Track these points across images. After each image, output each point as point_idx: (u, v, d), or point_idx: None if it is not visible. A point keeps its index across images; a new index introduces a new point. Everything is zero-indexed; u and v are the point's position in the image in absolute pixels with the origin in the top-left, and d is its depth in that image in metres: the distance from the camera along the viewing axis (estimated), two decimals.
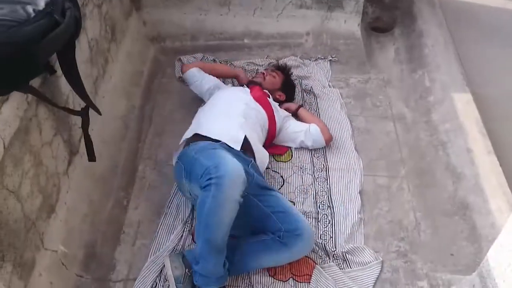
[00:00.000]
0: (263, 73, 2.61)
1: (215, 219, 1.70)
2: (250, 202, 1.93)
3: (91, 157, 1.87)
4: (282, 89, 2.63)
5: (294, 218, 1.92)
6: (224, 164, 1.74)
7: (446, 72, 2.72)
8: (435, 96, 2.65)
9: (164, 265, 1.90)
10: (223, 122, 2.18)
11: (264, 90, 2.51)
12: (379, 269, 1.98)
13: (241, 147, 2.09)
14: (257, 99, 2.38)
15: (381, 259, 2.01)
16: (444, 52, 2.84)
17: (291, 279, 1.94)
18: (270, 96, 2.53)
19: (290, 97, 2.70)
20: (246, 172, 1.84)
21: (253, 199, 1.94)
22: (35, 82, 1.57)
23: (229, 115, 2.22)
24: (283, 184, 2.31)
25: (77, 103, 1.92)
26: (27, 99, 1.54)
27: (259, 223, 1.96)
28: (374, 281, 1.95)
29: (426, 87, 2.73)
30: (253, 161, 2.13)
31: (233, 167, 1.74)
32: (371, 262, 2.00)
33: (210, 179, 1.69)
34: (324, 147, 2.47)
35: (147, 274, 1.92)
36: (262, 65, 3.02)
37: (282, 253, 1.88)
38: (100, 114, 1.84)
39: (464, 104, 2.50)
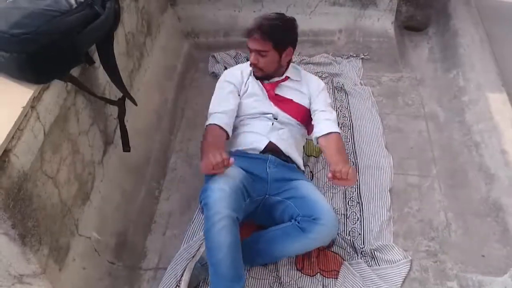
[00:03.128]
0: (253, 63, 2.08)
1: (211, 242, 1.71)
2: (270, 201, 1.94)
3: (126, 147, 1.91)
4: (281, 51, 2.04)
5: (312, 203, 1.87)
6: (211, 189, 1.74)
7: (481, 71, 2.68)
8: (469, 96, 2.61)
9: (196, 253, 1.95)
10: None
11: (274, 82, 2.15)
12: (408, 268, 1.97)
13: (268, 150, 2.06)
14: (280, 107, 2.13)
15: (410, 258, 2.00)
16: (479, 52, 2.80)
17: (318, 274, 1.94)
18: (284, 78, 2.16)
19: (293, 43, 2.11)
20: (257, 177, 1.93)
21: (273, 198, 1.95)
22: (75, 72, 1.61)
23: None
24: (312, 178, 2.31)
25: (113, 94, 1.96)
26: (67, 88, 1.58)
27: (283, 217, 1.93)
28: (402, 280, 1.93)
29: (460, 86, 2.69)
30: (270, 156, 2.01)
31: (216, 196, 1.72)
32: (400, 260, 1.98)
33: (200, 202, 1.81)
34: (354, 144, 2.46)
35: (179, 261, 1.94)
36: (294, 61, 3.01)
37: (300, 239, 1.82)
38: (136, 104, 1.88)
39: (499, 105, 2.46)
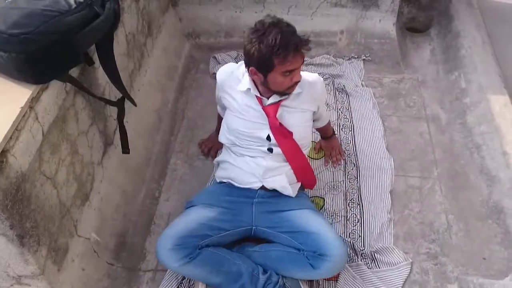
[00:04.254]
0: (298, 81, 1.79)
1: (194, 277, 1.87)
2: (261, 232, 1.90)
3: (125, 149, 1.91)
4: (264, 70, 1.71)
5: (314, 236, 1.77)
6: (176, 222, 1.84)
7: (483, 73, 2.67)
8: (471, 98, 2.60)
9: None
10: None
11: (276, 103, 1.85)
12: (408, 270, 1.96)
13: None
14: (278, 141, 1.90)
15: (410, 260, 1.99)
16: (481, 53, 2.79)
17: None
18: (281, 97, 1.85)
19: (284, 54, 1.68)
20: (239, 207, 1.89)
21: (263, 229, 1.89)
22: (74, 73, 1.61)
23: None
24: None
25: (113, 95, 1.96)
26: (66, 88, 1.58)
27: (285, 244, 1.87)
28: (402, 282, 1.92)
29: (462, 88, 2.68)
30: (260, 191, 1.92)
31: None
32: (400, 262, 1.97)
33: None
34: (355, 145, 2.46)
35: None
36: None
37: (306, 270, 1.77)
38: (135, 105, 1.88)
39: (501, 107, 2.44)
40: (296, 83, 1.77)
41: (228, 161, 1.99)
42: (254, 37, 1.65)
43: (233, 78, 1.91)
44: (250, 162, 1.92)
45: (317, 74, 1.99)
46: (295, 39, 1.65)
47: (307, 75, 1.93)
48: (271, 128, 1.86)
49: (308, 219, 1.85)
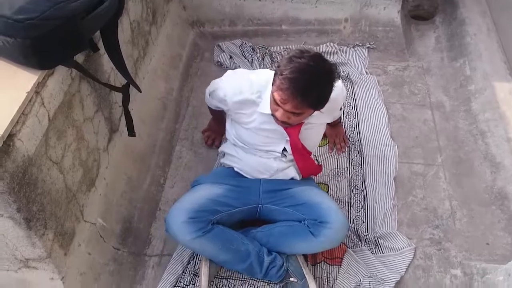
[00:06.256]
0: (282, 120, 1.65)
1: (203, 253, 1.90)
2: (267, 210, 1.91)
3: (131, 132, 1.92)
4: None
5: (316, 206, 1.81)
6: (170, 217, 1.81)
7: (488, 60, 2.66)
8: (476, 85, 2.59)
9: None
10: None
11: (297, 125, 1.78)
12: (412, 255, 1.97)
13: None
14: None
15: (414, 245, 2.00)
16: (486, 41, 2.78)
17: (322, 261, 1.95)
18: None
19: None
20: (245, 188, 1.90)
21: (268, 207, 1.90)
22: (79, 59, 1.62)
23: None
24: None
25: (118, 82, 1.97)
26: (71, 75, 1.59)
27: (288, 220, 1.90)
28: (406, 267, 1.94)
29: (467, 75, 2.68)
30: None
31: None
32: (403, 248, 1.99)
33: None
34: (359, 132, 2.46)
35: (185, 248, 1.97)
36: None
37: (308, 240, 1.79)
38: (140, 91, 1.88)
39: (506, 94, 2.44)
40: (280, 121, 1.65)
41: (234, 155, 1.98)
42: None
43: (247, 99, 1.78)
44: (260, 162, 1.92)
45: (341, 84, 1.83)
46: (304, 89, 1.50)
47: (337, 96, 1.76)
48: (292, 148, 1.83)
49: (311, 193, 1.90)
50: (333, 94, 1.61)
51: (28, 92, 1.34)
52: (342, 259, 1.95)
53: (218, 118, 2.21)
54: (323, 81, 1.54)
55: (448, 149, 2.41)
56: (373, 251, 1.99)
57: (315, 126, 1.87)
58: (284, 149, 1.88)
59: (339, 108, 2.06)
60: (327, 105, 1.62)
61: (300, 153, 1.87)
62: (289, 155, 1.90)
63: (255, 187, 1.92)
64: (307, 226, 1.80)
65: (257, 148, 1.89)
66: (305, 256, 1.95)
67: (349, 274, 1.90)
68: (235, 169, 1.99)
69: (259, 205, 1.91)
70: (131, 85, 1.82)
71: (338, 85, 1.73)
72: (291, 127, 1.75)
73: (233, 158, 2.00)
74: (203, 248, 1.80)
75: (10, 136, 1.28)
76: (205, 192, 1.87)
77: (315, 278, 1.88)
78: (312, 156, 2.00)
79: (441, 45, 3.02)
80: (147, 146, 2.30)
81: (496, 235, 2.03)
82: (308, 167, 1.96)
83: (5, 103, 1.30)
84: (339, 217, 1.78)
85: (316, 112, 1.67)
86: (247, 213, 1.92)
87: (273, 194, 1.90)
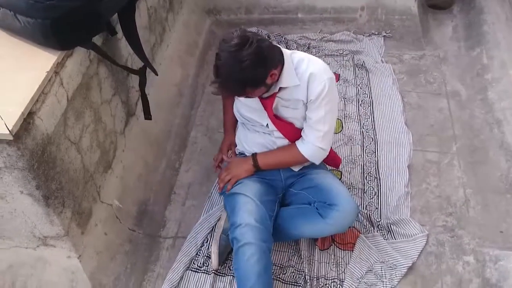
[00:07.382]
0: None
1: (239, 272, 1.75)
2: (287, 195, 1.94)
3: (148, 115, 1.95)
4: (262, 84, 1.63)
5: (326, 189, 1.81)
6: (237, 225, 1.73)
7: (506, 49, 2.63)
8: (492, 74, 2.57)
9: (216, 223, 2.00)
10: None
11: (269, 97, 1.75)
12: (424, 242, 1.97)
13: None
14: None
15: (426, 232, 2.00)
16: (504, 29, 2.75)
17: (335, 247, 1.96)
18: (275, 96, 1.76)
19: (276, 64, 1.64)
20: (271, 179, 1.89)
21: (290, 191, 1.93)
22: (98, 42, 1.65)
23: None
24: None
25: (135, 67, 1.99)
26: (90, 57, 1.62)
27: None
28: (418, 253, 1.94)
29: (484, 64, 2.66)
30: None
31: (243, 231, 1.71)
32: (416, 234, 1.99)
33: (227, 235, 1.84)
34: (373, 120, 2.46)
35: (199, 230, 2.01)
36: (315, 39, 3.02)
37: (316, 223, 1.79)
38: (156, 74, 1.91)
39: None
40: None
41: (241, 137, 1.98)
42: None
43: None
44: (259, 137, 1.91)
45: (326, 67, 1.72)
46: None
47: (314, 65, 1.70)
48: (269, 118, 1.80)
49: (324, 177, 1.89)
50: (314, 70, 1.66)
51: (48, 72, 1.37)
52: (354, 244, 1.96)
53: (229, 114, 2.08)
54: (231, 62, 1.63)
55: (464, 137, 2.40)
56: (385, 237, 2.00)
57: (291, 102, 1.75)
58: (268, 126, 1.84)
59: (320, 94, 1.68)
60: (303, 77, 1.67)
61: (280, 125, 1.81)
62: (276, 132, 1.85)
63: (277, 174, 1.92)
64: (316, 208, 1.80)
65: (253, 123, 1.88)
66: (314, 241, 1.97)
67: (361, 259, 1.91)
68: (246, 153, 1.98)
69: (284, 191, 1.93)
70: (147, 69, 1.85)
71: (318, 61, 1.72)
72: (265, 99, 1.75)
73: (240, 140, 1.98)
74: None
75: (30, 114, 1.31)
76: (253, 195, 1.80)
77: (321, 263, 1.91)
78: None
79: (458, 34, 2.99)
80: (163, 131, 2.33)
81: (510, 223, 2.02)
82: (293, 135, 1.84)
83: (25, 82, 1.34)
84: (348, 201, 1.78)
85: (289, 85, 1.69)
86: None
87: (293, 178, 1.92)
